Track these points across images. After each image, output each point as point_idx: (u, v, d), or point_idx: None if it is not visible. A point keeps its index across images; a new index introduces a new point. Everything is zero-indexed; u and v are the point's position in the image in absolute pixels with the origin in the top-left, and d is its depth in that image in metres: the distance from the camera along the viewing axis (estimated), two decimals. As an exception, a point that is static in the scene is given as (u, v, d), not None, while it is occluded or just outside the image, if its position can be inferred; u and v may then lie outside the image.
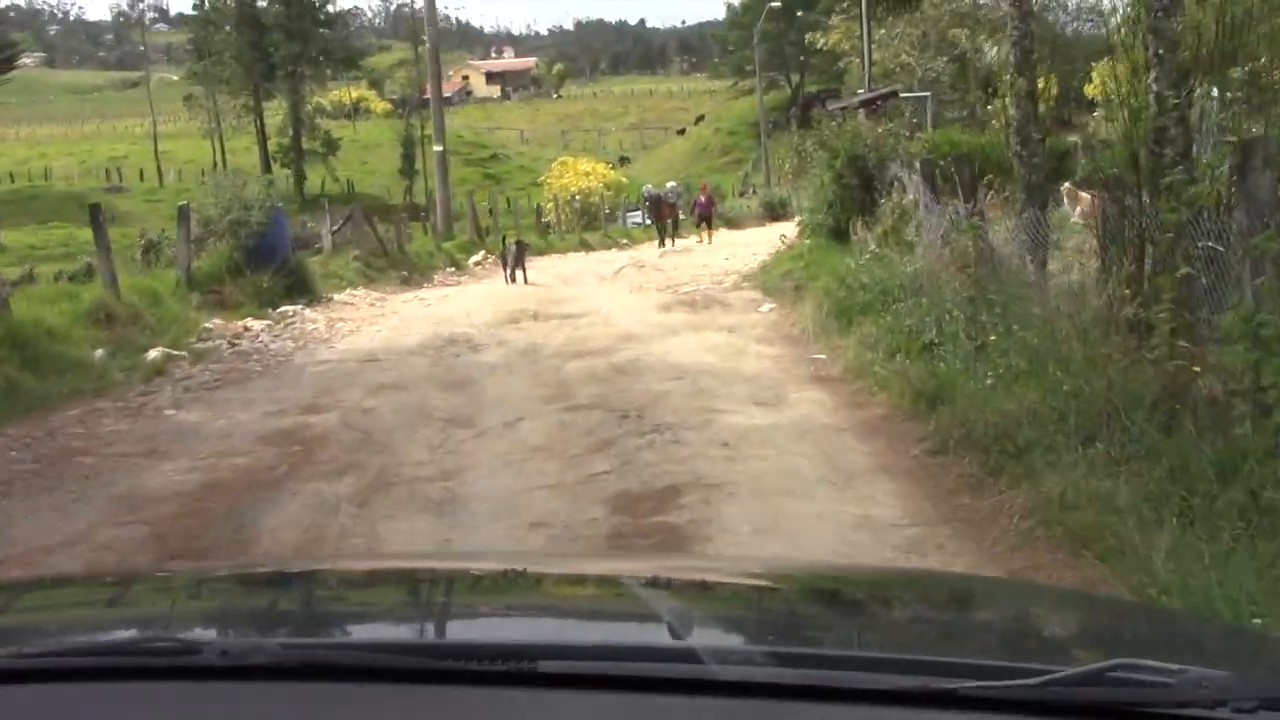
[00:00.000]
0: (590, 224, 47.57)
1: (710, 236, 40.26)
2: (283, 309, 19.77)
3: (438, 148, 33.80)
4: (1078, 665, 1.84)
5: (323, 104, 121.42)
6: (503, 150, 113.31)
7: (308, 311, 19.92)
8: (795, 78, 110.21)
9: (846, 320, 14.36)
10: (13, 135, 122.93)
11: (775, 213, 60.86)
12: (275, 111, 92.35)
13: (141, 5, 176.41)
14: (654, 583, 2.73)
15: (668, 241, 38.76)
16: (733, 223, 55.87)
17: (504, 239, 28.08)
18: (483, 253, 32.22)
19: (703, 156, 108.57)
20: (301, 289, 21.30)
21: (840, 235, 21.71)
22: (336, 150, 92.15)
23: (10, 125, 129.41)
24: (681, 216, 41.77)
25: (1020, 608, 2.88)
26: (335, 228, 27.67)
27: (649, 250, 35.87)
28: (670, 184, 43.61)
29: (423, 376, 13.88)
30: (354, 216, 27.39)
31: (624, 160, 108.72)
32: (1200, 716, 1.76)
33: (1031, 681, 1.79)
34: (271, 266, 20.56)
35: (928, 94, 36.88)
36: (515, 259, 25.07)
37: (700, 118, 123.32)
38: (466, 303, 21.21)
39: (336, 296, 22.17)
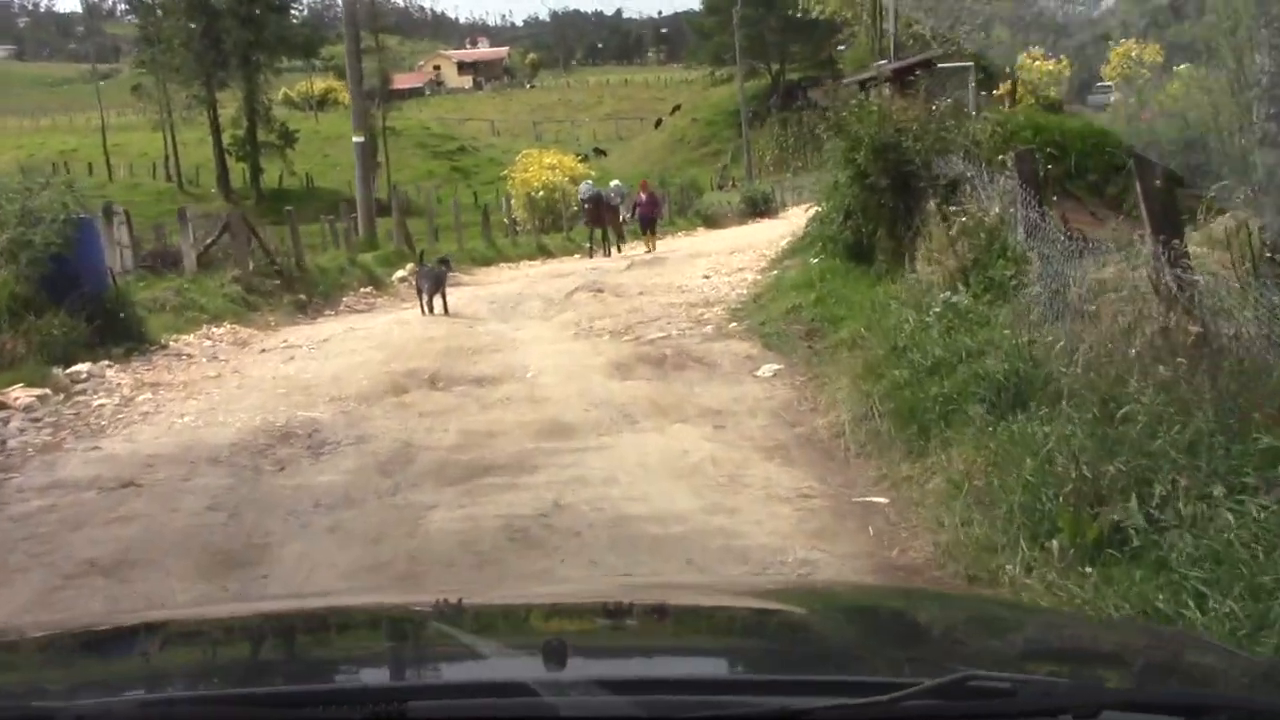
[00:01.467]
0: (554, 224, 41.21)
1: (653, 244, 34.20)
2: (78, 367, 13.56)
3: (357, 138, 27.57)
4: (931, 678, 1.85)
5: (289, 95, 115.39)
6: (472, 142, 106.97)
7: (112, 371, 13.73)
8: (775, 66, 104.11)
9: (918, 427, 8.21)
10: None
11: (758, 209, 54.75)
12: (229, 102, 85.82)
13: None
14: (520, 615, 2.88)
15: (598, 253, 32.86)
16: (712, 220, 49.71)
17: (420, 255, 21.93)
18: (410, 266, 25.96)
19: (680, 148, 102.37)
20: (124, 333, 15.09)
21: (863, 255, 15.63)
22: (294, 143, 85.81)
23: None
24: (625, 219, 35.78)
25: (881, 619, 2.85)
26: (210, 240, 21.44)
27: (613, 262, 29.57)
28: (614, 182, 37.00)
29: (183, 535, 7.76)
30: (231, 224, 21.06)
31: (599, 152, 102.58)
32: None
33: (884, 699, 1.81)
34: (76, 301, 14.38)
35: (969, 64, 28.85)
36: (433, 284, 18.90)
37: (677, 108, 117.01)
38: (350, 351, 15.04)
39: (175, 341, 15.94)
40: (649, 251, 32.68)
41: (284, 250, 22.40)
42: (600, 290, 20.24)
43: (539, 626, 2.75)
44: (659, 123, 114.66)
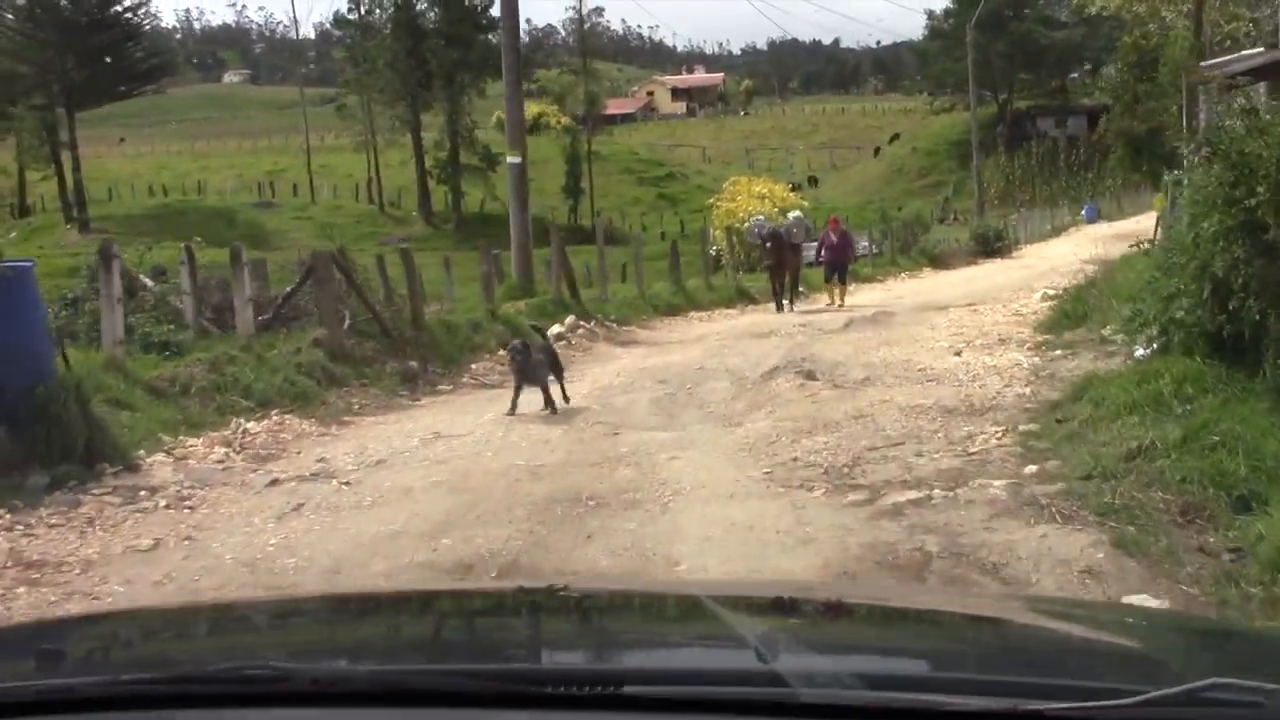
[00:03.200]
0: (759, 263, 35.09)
1: (843, 297, 27.29)
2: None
3: (512, 159, 21.78)
4: (1170, 686, 1.79)
5: (502, 118, 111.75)
6: (681, 169, 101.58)
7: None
8: (1002, 95, 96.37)
9: None
10: (188, 149, 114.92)
11: (990, 247, 47.76)
12: (434, 124, 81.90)
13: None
14: (735, 605, 2.70)
15: (786, 305, 25.96)
16: (939, 260, 42.95)
17: (534, 330, 15.83)
18: (572, 319, 20.15)
19: (898, 178, 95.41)
20: (65, 447, 9.46)
21: (1241, 354, 9.36)
22: (496, 166, 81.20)
23: (193, 140, 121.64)
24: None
25: (1110, 631, 2.72)
26: (287, 290, 15.88)
27: (832, 317, 23.13)
28: (793, 213, 29.63)
29: None
30: (316, 268, 15.36)
31: (812, 181, 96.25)
32: None
33: (1125, 702, 1.76)
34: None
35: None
36: (532, 374, 12.89)
37: (895, 136, 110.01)
38: (403, 493, 9.12)
39: (166, 454, 10.33)
40: (837, 305, 26.23)
41: (388, 305, 16.71)
42: (810, 374, 13.99)
43: (743, 617, 2.55)
44: (878, 151, 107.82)
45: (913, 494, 8.19)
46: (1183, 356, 10.01)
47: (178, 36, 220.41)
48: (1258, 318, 9.12)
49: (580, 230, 78.02)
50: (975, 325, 19.76)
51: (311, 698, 1.88)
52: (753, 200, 44.58)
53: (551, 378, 13.05)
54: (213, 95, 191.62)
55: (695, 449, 10.34)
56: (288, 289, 15.86)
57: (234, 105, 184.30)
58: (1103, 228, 63.03)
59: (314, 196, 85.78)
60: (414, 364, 15.83)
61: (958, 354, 15.50)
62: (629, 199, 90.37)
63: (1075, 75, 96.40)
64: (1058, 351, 14.56)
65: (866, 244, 44.08)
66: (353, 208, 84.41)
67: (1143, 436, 8.50)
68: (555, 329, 19.63)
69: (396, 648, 2.52)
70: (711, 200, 49.43)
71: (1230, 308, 9.25)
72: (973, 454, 9.42)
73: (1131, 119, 35.43)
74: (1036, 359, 14.28)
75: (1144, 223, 60.44)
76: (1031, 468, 8.75)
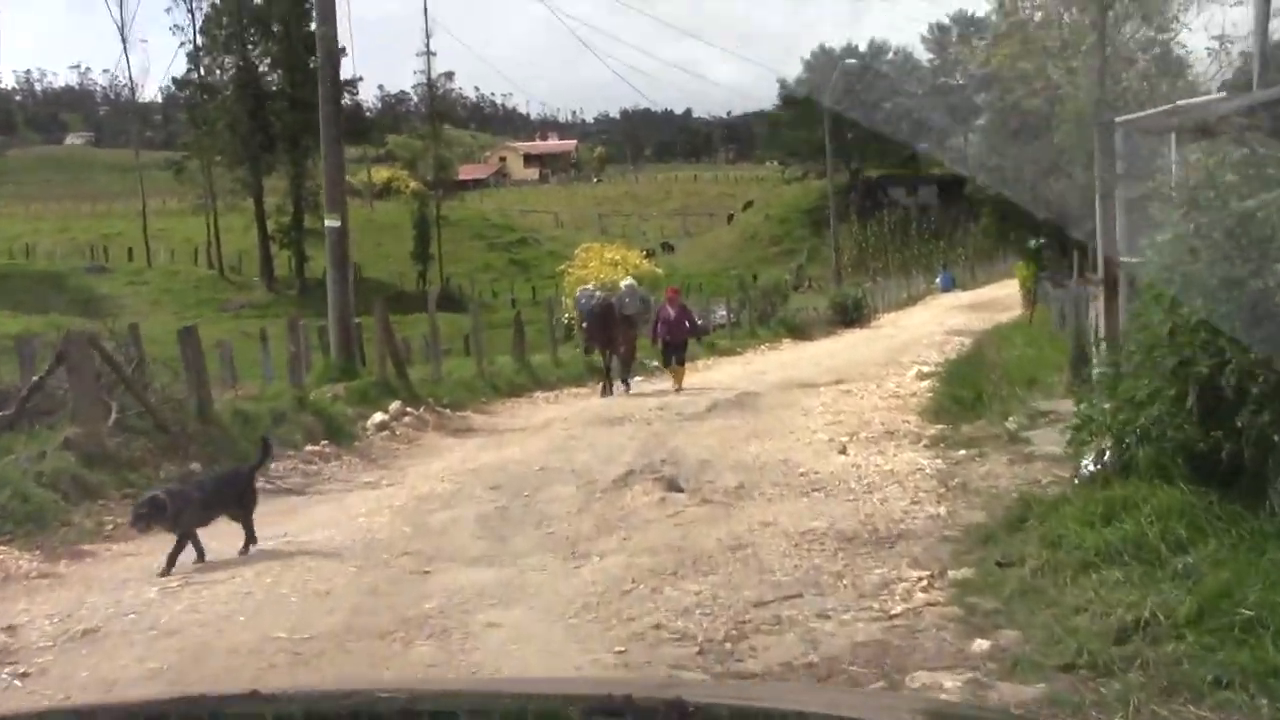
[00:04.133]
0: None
1: (679, 378, 23.34)
2: None
3: (331, 221, 18.95)
4: None
5: (351, 183, 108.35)
6: (534, 234, 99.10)
7: None
8: (854, 164, 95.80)
9: None
10: (22, 212, 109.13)
11: (848, 315, 45.96)
12: (275, 189, 78.44)
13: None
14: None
15: (615, 386, 22.68)
16: (799, 331, 40.89)
17: (263, 442, 10.99)
18: (397, 404, 17.33)
19: (752, 245, 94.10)
20: None
21: (1231, 477, 7.06)
22: (342, 231, 77.92)
23: (29, 203, 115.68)
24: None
25: None
26: (33, 379, 12.86)
27: (689, 400, 20.46)
28: (625, 281, 25.15)
29: None
30: (68, 353, 12.33)
31: (666, 247, 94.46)
32: None
33: None
34: None
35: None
36: (187, 516, 9.23)
37: (749, 204, 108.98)
38: (119, 679, 6.40)
39: None
40: (674, 389, 22.73)
41: (170, 390, 13.79)
42: (672, 483, 11.42)
43: None
44: (731, 218, 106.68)
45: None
46: (1151, 479, 7.64)
47: (17, 98, 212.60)
48: (1249, 432, 6.85)
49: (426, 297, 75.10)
50: (853, 410, 17.43)
51: None
52: (605, 267, 42.14)
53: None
54: (53, 157, 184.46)
55: (525, 603, 7.67)
56: (34, 378, 12.82)
57: (75, 168, 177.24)
58: (959, 296, 61.97)
59: (150, 261, 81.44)
60: (196, 466, 12.95)
61: (843, 452, 13.08)
62: (480, 264, 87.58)
63: (924, 145, 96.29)
64: (961, 451, 12.23)
65: (723, 313, 41.83)
66: (191, 272, 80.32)
67: (1137, 605, 6.07)
68: (378, 417, 16.85)
69: None
70: (563, 266, 46.89)
71: (1231, 421, 6.91)
72: (895, 616, 6.92)
73: (1001, 183, 33.80)
74: (939, 461, 11.92)
75: (1000, 291, 59.77)
76: (982, 643, 6.27)
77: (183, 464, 12.86)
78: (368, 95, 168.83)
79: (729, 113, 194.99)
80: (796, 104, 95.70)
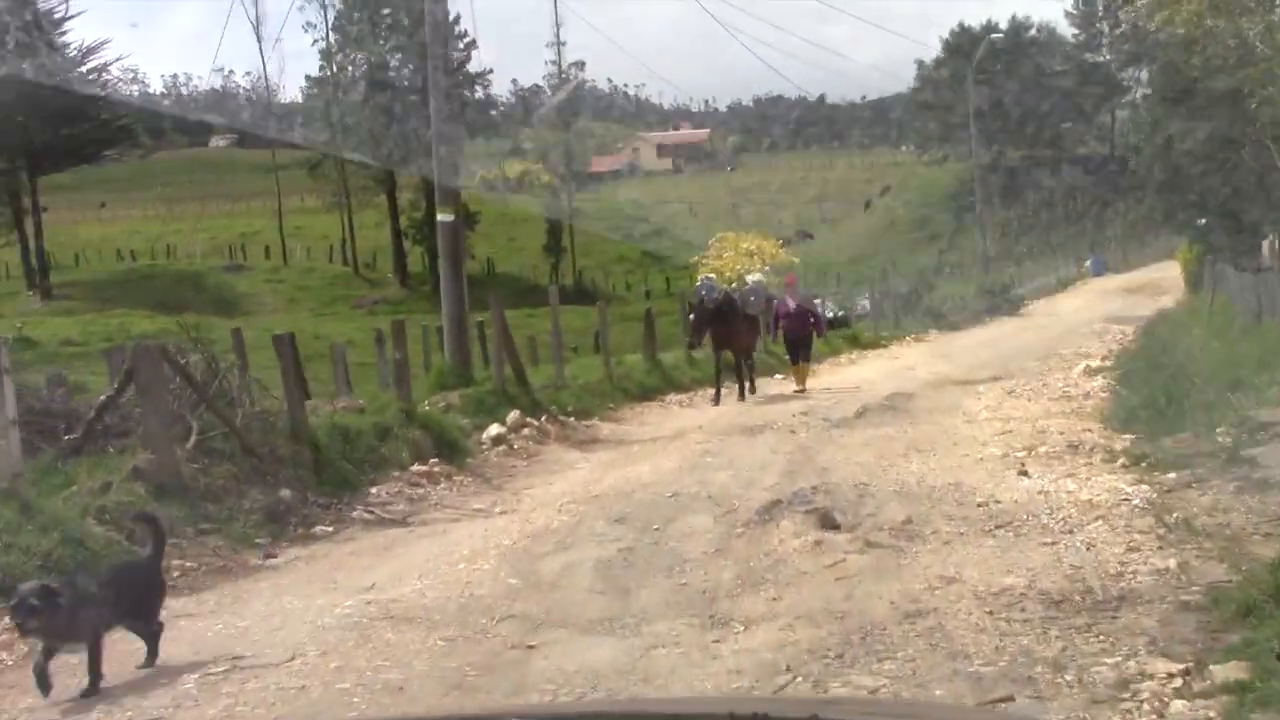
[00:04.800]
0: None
1: (804, 379, 21.38)
2: None
3: (444, 216, 17.30)
4: None
5: (485, 177, 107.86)
6: (668, 225, 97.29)
7: None
8: (996, 145, 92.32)
9: None
10: (165, 214, 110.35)
11: (997, 303, 43.65)
12: (408, 184, 77.71)
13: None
14: None
15: (732, 392, 20.34)
16: (946, 321, 38.68)
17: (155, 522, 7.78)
18: (516, 414, 15.70)
19: (891, 232, 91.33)
20: None
21: None
22: (474, 224, 76.99)
23: (173, 205, 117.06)
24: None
25: None
26: (103, 397, 11.41)
27: (837, 403, 18.38)
28: (753, 277, 23.12)
29: None
30: (138, 369, 10.85)
31: (804, 235, 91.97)
32: None
33: None
34: None
35: None
36: (66, 629, 6.48)
37: (887, 189, 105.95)
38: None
39: None
40: (796, 389, 20.86)
41: (250, 412, 12.27)
42: (826, 517, 9.56)
43: None
44: (868, 204, 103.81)
45: None
46: None
47: (166, 102, 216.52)
48: None
49: (563, 290, 73.87)
50: (1023, 416, 15.41)
51: None
52: (741, 257, 40.49)
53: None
54: (200, 160, 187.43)
55: (650, 698, 5.94)
56: (101, 398, 11.37)
57: (219, 169, 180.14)
58: (1111, 280, 58.99)
59: (286, 259, 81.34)
60: (286, 493, 11.45)
61: (1024, 473, 11.12)
62: (613, 256, 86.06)
63: (1069, 124, 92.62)
64: (1171, 474, 10.19)
65: (865, 303, 39.63)
66: (326, 270, 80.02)
67: None
68: (494, 429, 15.25)
69: None
70: (697, 257, 45.11)
71: None
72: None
73: (1168, 159, 31.27)
74: (1145, 488, 9.89)
75: (1155, 274, 56.70)
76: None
77: (271, 492, 11.36)
78: (501, 90, 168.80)
79: (864, 96, 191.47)
80: (935, 85, 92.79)
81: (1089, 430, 13.65)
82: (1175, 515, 8.69)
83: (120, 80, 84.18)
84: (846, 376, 23.90)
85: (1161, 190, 35.28)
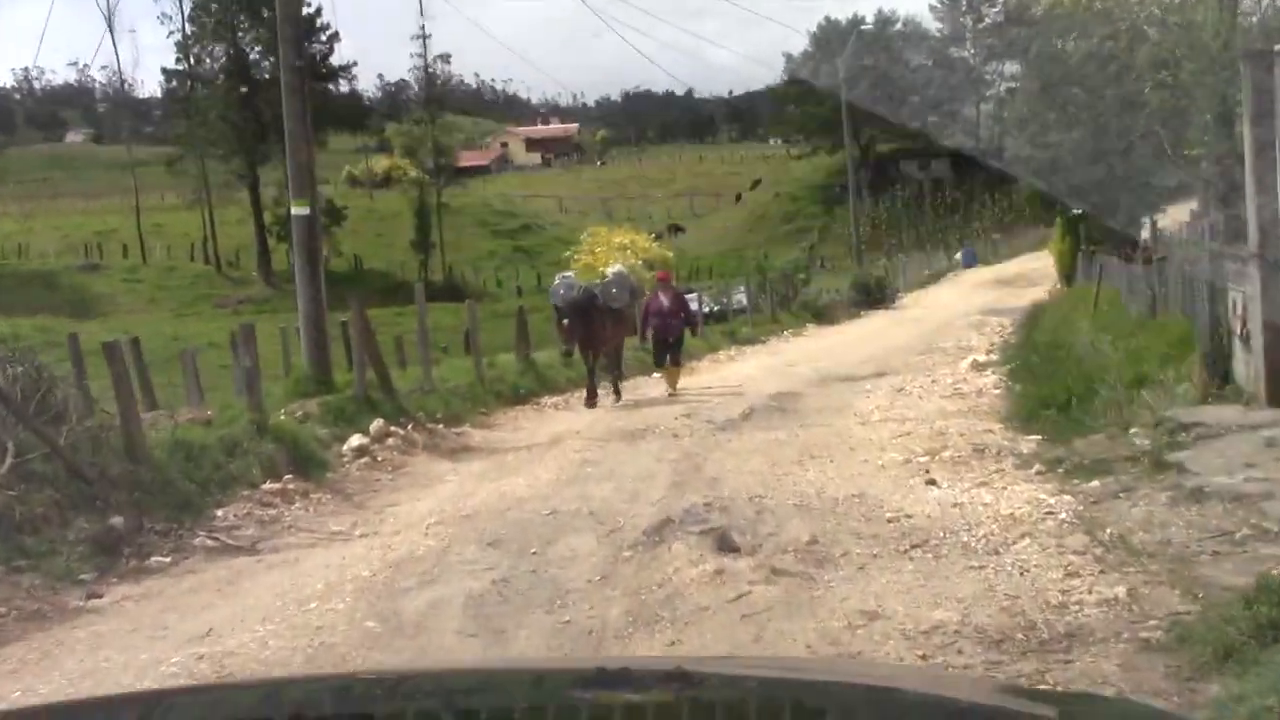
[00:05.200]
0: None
1: (675, 380, 19.87)
2: None
3: (299, 209, 15.92)
4: None
5: (353, 173, 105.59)
6: (537, 220, 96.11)
7: None
8: (863, 139, 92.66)
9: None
10: (16, 211, 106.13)
11: (871, 296, 43.20)
12: (270, 180, 75.56)
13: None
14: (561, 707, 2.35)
15: (609, 394, 19.10)
16: (821, 315, 38.09)
17: None
18: (380, 423, 14.47)
19: (762, 225, 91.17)
20: None
21: None
22: (341, 220, 75.16)
23: (25, 202, 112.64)
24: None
25: (913, 709, 2.34)
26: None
27: (722, 403, 17.42)
28: (613, 268, 20.59)
29: None
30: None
31: (675, 229, 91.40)
32: None
33: None
34: None
35: None
36: None
37: (757, 182, 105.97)
38: None
39: None
40: (668, 393, 19.38)
41: (106, 418, 10.97)
42: (724, 539, 8.55)
43: (583, 713, 2.27)
44: (739, 198, 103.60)
45: None
46: None
47: (16, 96, 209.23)
48: None
49: (431, 285, 72.21)
50: (918, 415, 14.62)
51: None
52: (614, 251, 39.46)
53: None
54: (55, 155, 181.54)
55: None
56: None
57: (74, 165, 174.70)
58: (982, 272, 59.12)
59: (145, 258, 78.60)
60: (118, 520, 10.12)
61: (932, 482, 10.23)
62: (483, 252, 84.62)
63: (935, 118, 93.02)
64: (1094, 482, 9.35)
65: (741, 297, 38.74)
66: (187, 269, 77.49)
67: None
68: (356, 440, 14.00)
69: None
70: (569, 252, 43.92)
71: None
72: None
73: (1045, 150, 30.85)
74: (1068, 497, 9.02)
75: (1026, 265, 56.84)
76: None
77: (101, 519, 10.05)
78: (367, 85, 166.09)
79: (731, 92, 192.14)
80: (802, 80, 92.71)
81: (990, 431, 12.86)
82: (1109, 531, 7.83)
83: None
84: (727, 374, 22.99)
85: (1038, 178, 34.96)
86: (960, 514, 8.92)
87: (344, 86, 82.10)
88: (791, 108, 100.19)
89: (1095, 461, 9.97)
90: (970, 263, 63.51)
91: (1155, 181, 26.76)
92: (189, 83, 77.00)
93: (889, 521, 8.90)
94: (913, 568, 7.62)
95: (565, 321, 18.28)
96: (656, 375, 21.24)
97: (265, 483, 12.12)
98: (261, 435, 12.81)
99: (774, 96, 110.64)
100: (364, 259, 77.11)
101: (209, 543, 10.39)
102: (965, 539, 8.19)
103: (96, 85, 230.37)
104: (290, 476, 12.48)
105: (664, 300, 20.07)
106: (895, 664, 5.87)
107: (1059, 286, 40.18)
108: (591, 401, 18.41)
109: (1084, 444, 10.75)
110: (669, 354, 19.93)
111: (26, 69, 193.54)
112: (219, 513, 11.15)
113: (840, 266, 64.83)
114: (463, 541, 9.49)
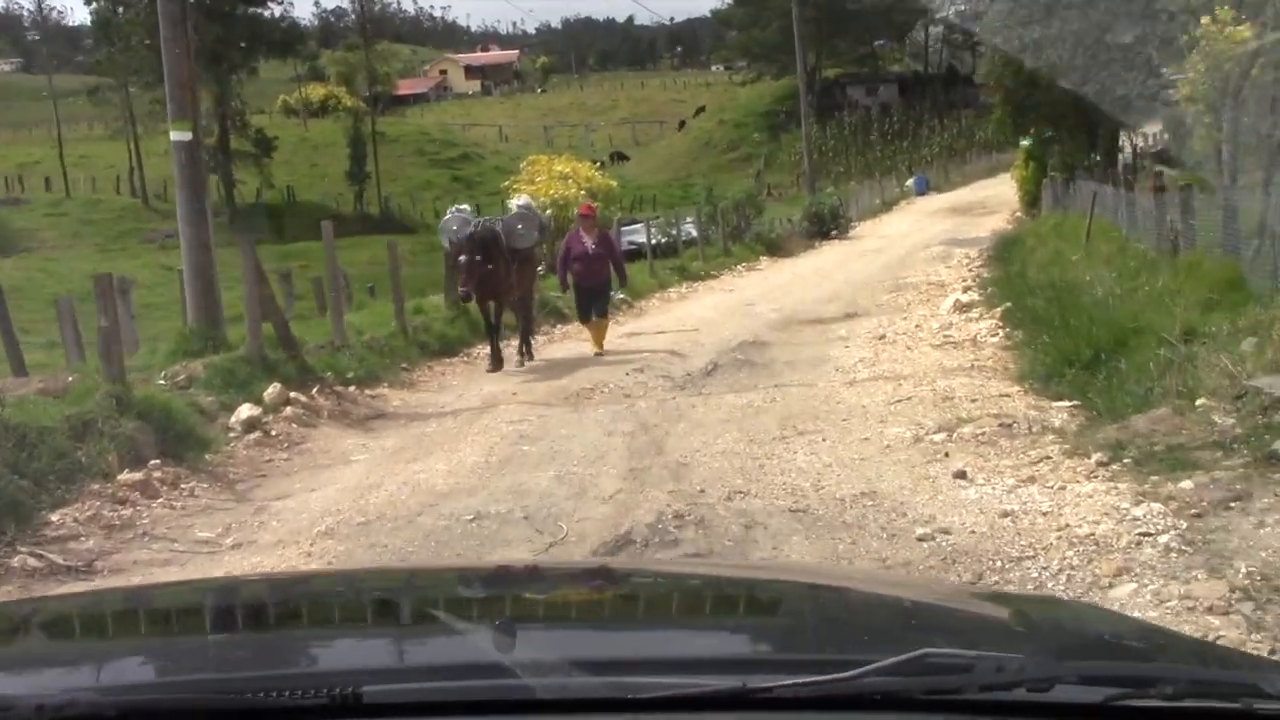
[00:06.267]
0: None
1: (602, 337, 16.43)
2: None
3: (179, 134, 13.19)
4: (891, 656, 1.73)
5: (288, 101, 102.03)
6: (477, 149, 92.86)
7: None
8: (810, 63, 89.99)
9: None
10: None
11: (824, 226, 40.84)
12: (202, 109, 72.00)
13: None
14: (487, 599, 2.56)
15: (517, 355, 15.86)
16: (775, 246, 35.73)
17: None
18: (276, 388, 12.03)
19: (706, 152, 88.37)
20: None
21: None
22: (271, 150, 71.91)
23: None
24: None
25: (857, 600, 2.57)
26: None
27: (677, 358, 14.87)
28: (518, 200, 17.80)
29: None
30: None
31: (619, 157, 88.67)
32: (1002, 699, 1.69)
33: (844, 676, 1.71)
34: None
35: None
36: None
37: (701, 109, 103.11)
38: None
39: None
40: (595, 351, 16.09)
41: None
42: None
43: (507, 602, 2.45)
44: (682, 125, 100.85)
45: None
46: None
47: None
48: None
49: (368, 219, 69.20)
50: (911, 371, 12.37)
51: None
52: (554, 181, 36.89)
53: None
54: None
55: None
56: None
57: (2, 96, 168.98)
58: (935, 200, 57.03)
59: (69, 191, 74.91)
60: (-87, 535, 7.70)
61: (961, 474, 7.93)
62: (420, 182, 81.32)
63: (883, 42, 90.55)
64: (1185, 483, 6.99)
65: (690, 229, 36.10)
66: (113, 202, 73.82)
67: None
68: (245, 411, 11.51)
69: (137, 662, 2.16)
70: (508, 182, 41.20)
71: None
72: None
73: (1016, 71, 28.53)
74: (1156, 505, 6.70)
75: (980, 193, 54.72)
76: None
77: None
78: (304, 11, 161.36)
79: (672, 18, 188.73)
80: (746, 3, 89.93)
81: (1007, 396, 10.58)
82: (1241, 569, 5.56)
83: None
84: (681, 315, 20.63)
85: (1008, 102, 32.67)
86: (1015, 529, 6.62)
87: (276, 11, 77.94)
88: (735, 33, 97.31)
89: (1170, 449, 7.67)
90: (922, 190, 61.37)
91: (1139, 102, 24.59)
92: (114, 7, 72.94)
93: (920, 540, 6.60)
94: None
95: (462, 258, 14.64)
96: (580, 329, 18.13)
97: (123, 473, 9.61)
98: (123, 411, 10.29)
99: (718, 19, 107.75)
100: (297, 190, 73.85)
101: (32, 561, 7.95)
102: (1035, 574, 5.91)
103: (25, 12, 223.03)
104: (157, 462, 9.99)
105: (587, 241, 16.46)
106: (851, 567, 5.88)
107: (1020, 215, 38.09)
108: (496, 365, 15.15)
109: (1144, 421, 8.43)
110: (593, 305, 16.57)
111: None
112: (54, 518, 8.66)
113: (788, 195, 62.46)
114: (355, 564, 7.13)
